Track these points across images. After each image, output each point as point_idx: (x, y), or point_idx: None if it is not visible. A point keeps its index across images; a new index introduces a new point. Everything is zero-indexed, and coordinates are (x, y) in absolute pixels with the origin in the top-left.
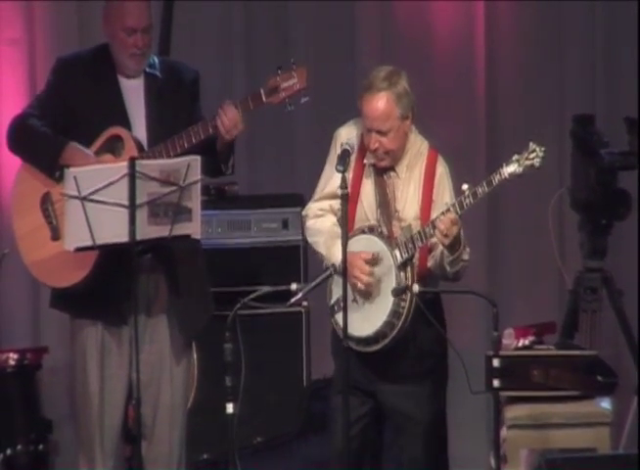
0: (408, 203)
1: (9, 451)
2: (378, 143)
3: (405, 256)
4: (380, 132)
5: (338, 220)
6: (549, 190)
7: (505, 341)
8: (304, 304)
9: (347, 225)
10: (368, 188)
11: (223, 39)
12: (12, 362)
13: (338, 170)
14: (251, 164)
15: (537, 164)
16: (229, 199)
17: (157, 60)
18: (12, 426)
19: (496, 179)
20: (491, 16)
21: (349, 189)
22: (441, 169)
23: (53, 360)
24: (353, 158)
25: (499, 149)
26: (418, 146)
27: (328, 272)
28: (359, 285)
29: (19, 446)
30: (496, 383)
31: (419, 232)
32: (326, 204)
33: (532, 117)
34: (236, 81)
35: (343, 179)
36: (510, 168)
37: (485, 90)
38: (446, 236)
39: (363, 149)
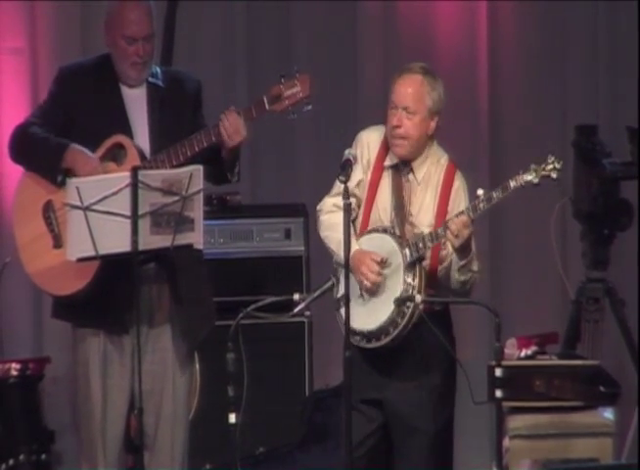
0: (423, 210)
1: (11, 462)
2: (401, 122)
3: (415, 255)
4: (406, 110)
5: (352, 220)
6: (551, 200)
7: (507, 351)
8: (307, 314)
9: (349, 235)
10: (385, 192)
11: (225, 48)
12: (14, 373)
13: (340, 181)
14: (254, 173)
15: (554, 176)
16: (231, 209)
17: (159, 70)
18: (14, 436)
19: (512, 185)
20: (494, 27)
21: (366, 192)
22: (459, 183)
23: (55, 370)
24: (372, 161)
25: (502, 158)
26: (438, 157)
27: (330, 283)
28: (365, 283)
29: (21, 457)
30: (499, 393)
31: (430, 233)
32: (341, 200)
33: (535, 126)
34: (238, 90)
35: (346, 190)
36: (527, 177)
37: (488, 99)
38: (457, 237)
39: (383, 152)
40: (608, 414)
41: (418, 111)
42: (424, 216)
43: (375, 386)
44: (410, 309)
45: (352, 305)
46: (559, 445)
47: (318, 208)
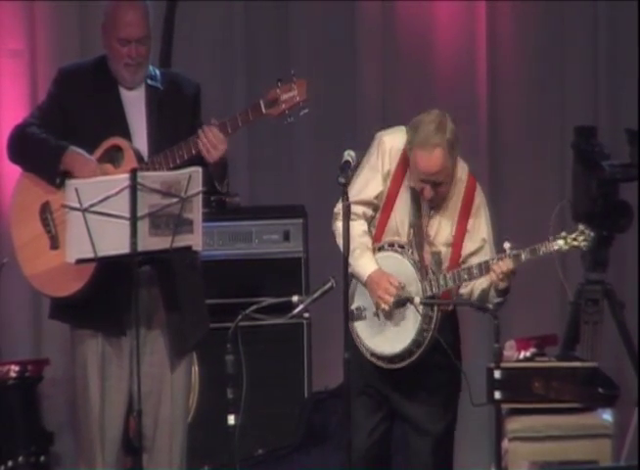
0: (441, 228)
1: (10, 463)
2: (433, 193)
3: (435, 291)
4: (435, 184)
5: (369, 227)
6: (550, 202)
7: (506, 352)
8: (306, 315)
9: (349, 239)
10: (403, 202)
11: (224, 48)
12: (13, 375)
13: (339, 182)
14: (252, 175)
15: (584, 248)
16: (230, 210)
17: (158, 72)
18: (13, 438)
19: (541, 251)
20: (493, 28)
21: (384, 201)
22: (479, 200)
23: (54, 372)
24: (393, 168)
25: (501, 158)
26: (459, 173)
27: (329, 285)
28: (382, 305)
29: (20, 458)
30: (498, 395)
31: (453, 273)
32: (360, 209)
33: (534, 127)
34: (237, 90)
35: (345, 192)
36: (556, 246)
37: (487, 99)
38: (502, 280)
39: (404, 164)
40: (607, 416)
41: (445, 178)
42: (442, 235)
43: (382, 381)
44: (427, 340)
45: (367, 321)
46: (558, 446)
47: (336, 210)
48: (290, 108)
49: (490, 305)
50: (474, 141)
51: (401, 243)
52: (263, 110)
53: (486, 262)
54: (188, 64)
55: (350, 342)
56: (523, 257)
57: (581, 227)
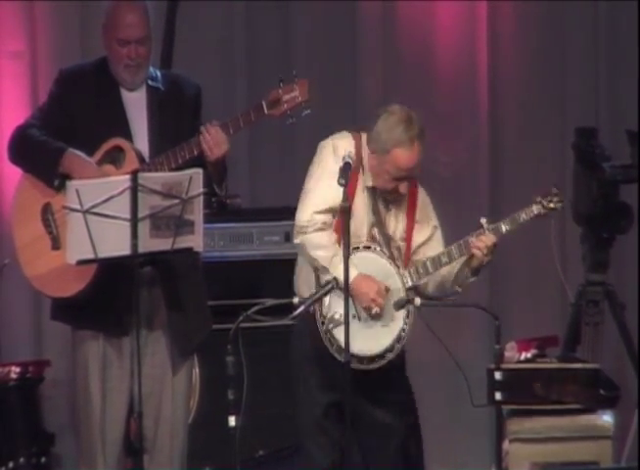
0: (398, 222)
1: (11, 464)
2: (406, 187)
3: (415, 280)
4: (410, 177)
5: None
6: None
7: (507, 354)
8: None
9: (349, 239)
10: (360, 205)
11: (225, 49)
12: (14, 376)
13: (340, 184)
14: (253, 176)
15: (559, 208)
16: (231, 212)
17: (159, 73)
18: (14, 439)
19: (521, 218)
20: (494, 28)
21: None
22: (422, 192)
23: (55, 373)
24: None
25: (502, 158)
26: None
27: (329, 286)
28: (375, 309)
29: (21, 460)
30: (498, 396)
31: (433, 259)
32: (329, 218)
33: (535, 127)
34: (238, 91)
35: (345, 193)
36: (535, 210)
37: (488, 100)
38: (486, 255)
39: (358, 165)
40: (607, 417)
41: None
42: (399, 229)
43: (332, 384)
44: (406, 333)
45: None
46: (558, 448)
47: (304, 222)
48: (292, 108)
49: (458, 288)
50: (474, 141)
51: (365, 244)
52: (265, 110)
53: (466, 241)
54: (189, 64)
55: (348, 345)
56: (503, 228)
57: (554, 190)
